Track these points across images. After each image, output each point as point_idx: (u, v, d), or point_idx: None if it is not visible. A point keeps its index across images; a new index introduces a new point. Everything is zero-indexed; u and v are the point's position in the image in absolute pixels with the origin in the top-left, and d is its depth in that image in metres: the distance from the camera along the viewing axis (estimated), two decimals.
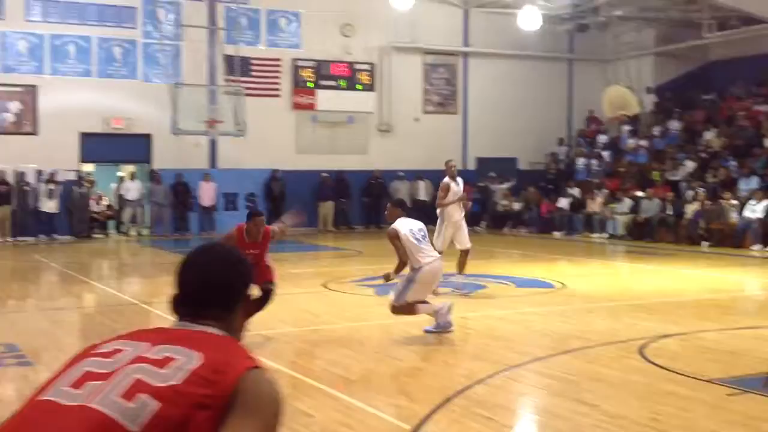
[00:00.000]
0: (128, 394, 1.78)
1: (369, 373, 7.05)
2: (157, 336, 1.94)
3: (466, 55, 26.37)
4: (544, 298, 11.34)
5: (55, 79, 21.40)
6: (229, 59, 22.50)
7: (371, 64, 25.08)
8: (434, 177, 24.80)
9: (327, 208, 23.81)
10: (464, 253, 11.42)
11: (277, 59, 23.91)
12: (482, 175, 25.00)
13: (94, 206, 21.87)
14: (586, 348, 7.84)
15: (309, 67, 24.38)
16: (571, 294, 11.64)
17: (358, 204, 24.44)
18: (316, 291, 11.74)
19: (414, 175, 24.64)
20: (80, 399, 1.80)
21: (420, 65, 25.87)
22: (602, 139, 25.81)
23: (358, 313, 10.09)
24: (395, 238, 8.28)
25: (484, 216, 23.90)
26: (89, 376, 1.85)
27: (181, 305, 2.04)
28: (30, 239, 20.52)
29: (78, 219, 21.28)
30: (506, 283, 12.51)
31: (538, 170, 26.15)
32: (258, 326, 7.74)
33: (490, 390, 6.37)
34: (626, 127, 25.19)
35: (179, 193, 22.20)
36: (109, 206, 22.51)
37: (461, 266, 11.42)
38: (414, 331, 8.67)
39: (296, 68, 24.20)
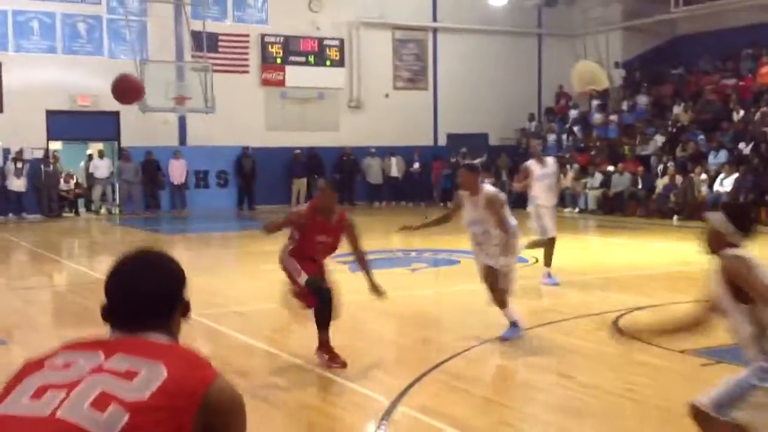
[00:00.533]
0: (98, 405, 1.76)
1: (345, 348, 7.05)
2: (108, 346, 1.91)
3: (435, 30, 26.29)
4: (518, 272, 11.41)
5: (19, 56, 21.01)
6: (196, 35, 22.18)
7: (340, 39, 24.91)
8: (406, 153, 24.89)
9: (300, 184, 23.72)
10: (550, 243, 10.24)
11: (245, 35, 23.66)
12: (454, 150, 25.02)
13: (62, 185, 21.59)
14: (560, 321, 7.92)
15: (277, 43, 24.15)
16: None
17: (330, 181, 24.28)
18: None
19: (386, 152, 24.61)
20: (47, 410, 1.76)
21: (389, 41, 25.74)
22: (572, 114, 25.94)
23: None
24: (504, 205, 7.19)
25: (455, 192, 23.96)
26: (48, 388, 1.80)
27: (117, 316, 1.99)
28: None
29: (47, 198, 21.00)
30: None
31: (509, 146, 26.22)
32: (232, 302, 7.72)
33: (467, 363, 6.41)
34: (595, 102, 25.33)
35: (149, 170, 21.98)
36: (78, 184, 22.23)
37: (547, 258, 10.24)
38: (388, 307, 8.68)
39: (264, 44, 23.96)
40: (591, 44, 25.85)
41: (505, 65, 26.58)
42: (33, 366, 1.89)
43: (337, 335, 7.53)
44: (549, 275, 10.16)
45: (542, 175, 10.27)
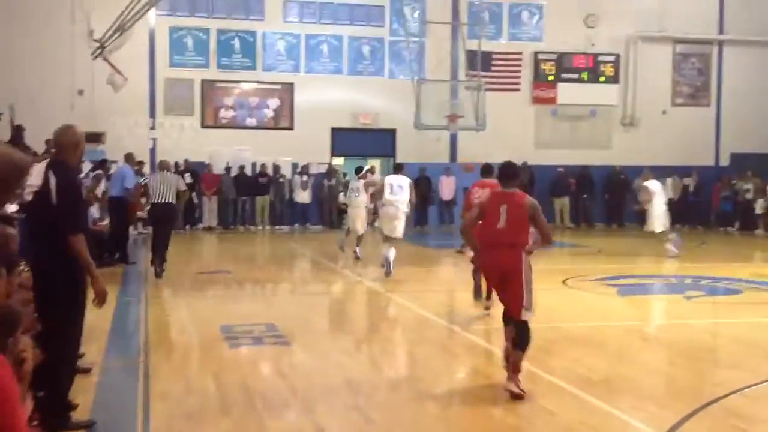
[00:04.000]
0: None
1: (613, 375, 6.82)
2: (503, 197, 6.23)
3: (721, 43, 24.73)
4: None
5: (309, 77, 22.71)
6: (470, 54, 22.68)
7: (616, 55, 24.27)
8: (683, 173, 23.57)
9: (562, 203, 23.34)
10: None
11: (518, 53, 23.81)
12: (736, 172, 23.25)
13: (342, 198, 22.94)
14: None
15: (550, 60, 24.05)
16: None
17: (600, 200, 23.71)
18: (555, 288, 11.54)
19: (661, 172, 23.43)
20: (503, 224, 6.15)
21: (670, 55, 24.64)
22: None
23: (599, 313, 9.81)
24: None
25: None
26: (499, 217, 6.14)
27: (503, 180, 6.33)
28: (285, 228, 21.98)
29: (328, 210, 22.48)
30: (762, 288, 11.61)
31: None
32: (495, 321, 7.76)
33: (747, 401, 5.94)
34: None
35: (421, 186, 22.72)
36: None
37: None
38: (659, 335, 8.28)
39: (537, 62, 23.95)
40: None
41: None
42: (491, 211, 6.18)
43: (602, 361, 7.32)
44: None
45: None
